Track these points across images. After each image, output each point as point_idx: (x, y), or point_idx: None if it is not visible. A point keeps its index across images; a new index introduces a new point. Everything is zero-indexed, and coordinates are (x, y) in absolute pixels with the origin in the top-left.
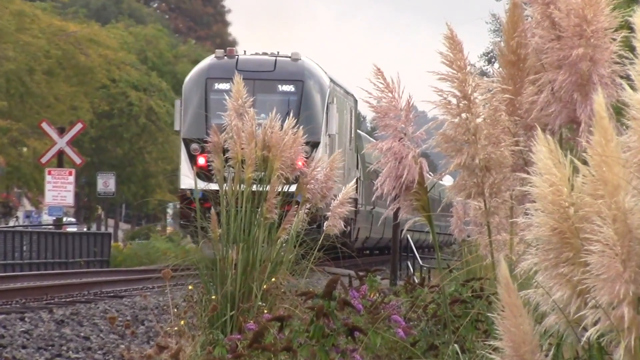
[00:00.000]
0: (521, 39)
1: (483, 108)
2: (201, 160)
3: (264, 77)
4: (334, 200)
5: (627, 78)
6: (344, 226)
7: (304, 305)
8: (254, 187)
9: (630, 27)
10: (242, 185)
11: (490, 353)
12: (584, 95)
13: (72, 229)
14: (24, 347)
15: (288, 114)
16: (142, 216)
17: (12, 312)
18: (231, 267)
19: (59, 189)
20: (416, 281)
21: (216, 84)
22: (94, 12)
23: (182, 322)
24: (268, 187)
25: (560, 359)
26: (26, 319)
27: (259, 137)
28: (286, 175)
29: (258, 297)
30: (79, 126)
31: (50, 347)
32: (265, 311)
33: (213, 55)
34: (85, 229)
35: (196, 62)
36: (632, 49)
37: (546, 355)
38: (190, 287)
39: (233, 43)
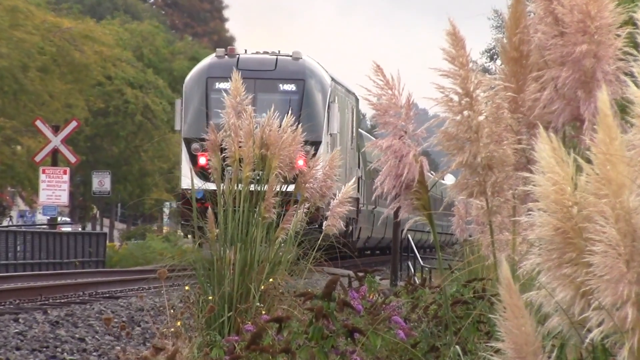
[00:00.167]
0: (524, 36)
1: (485, 106)
2: (202, 160)
3: (265, 76)
4: (334, 199)
5: (632, 75)
6: (346, 226)
7: (302, 306)
8: (252, 187)
9: (634, 23)
10: (239, 185)
11: (492, 355)
12: (587, 93)
13: (66, 229)
14: (17, 348)
15: (289, 113)
16: (138, 216)
17: (6, 313)
18: (229, 267)
19: (54, 188)
20: (417, 282)
21: (217, 83)
22: (88, 8)
23: (178, 323)
24: (266, 187)
25: None
26: (20, 320)
27: (257, 135)
28: (284, 174)
29: (256, 297)
30: (73, 124)
31: (44, 349)
32: (264, 312)
33: (214, 55)
34: (80, 229)
35: (193, 59)
36: (636, 46)
37: (549, 357)
38: (187, 288)
39: (230, 39)
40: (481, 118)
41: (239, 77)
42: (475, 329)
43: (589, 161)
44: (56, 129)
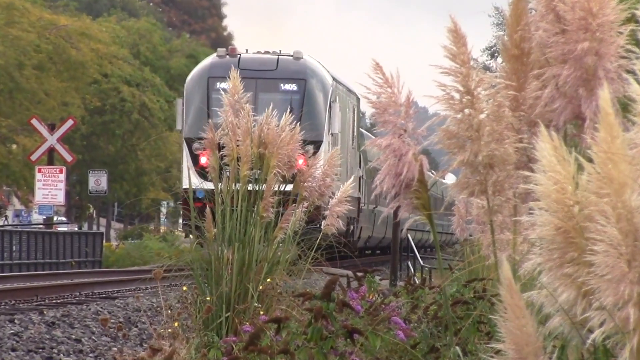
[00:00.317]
0: (525, 33)
1: (487, 104)
2: (203, 160)
3: (266, 75)
4: (333, 198)
5: (634, 73)
6: (347, 226)
7: (301, 306)
8: (250, 186)
9: (636, 21)
10: (237, 184)
11: (492, 356)
12: (589, 91)
13: (63, 229)
14: (13, 349)
15: (290, 112)
16: (135, 215)
17: (2, 313)
18: (226, 267)
19: (50, 187)
20: (417, 282)
21: (218, 83)
22: (85, 5)
23: (176, 324)
24: (264, 186)
25: None
26: (16, 321)
27: (255, 133)
28: (283, 173)
29: (254, 298)
30: (70, 123)
31: (40, 350)
32: (262, 313)
33: (215, 54)
34: (76, 229)
35: (190, 56)
36: (638, 43)
37: (550, 358)
38: (184, 288)
39: (228, 37)
40: (482, 116)
41: (237, 75)
42: (476, 329)
43: (590, 160)
44: (52, 128)
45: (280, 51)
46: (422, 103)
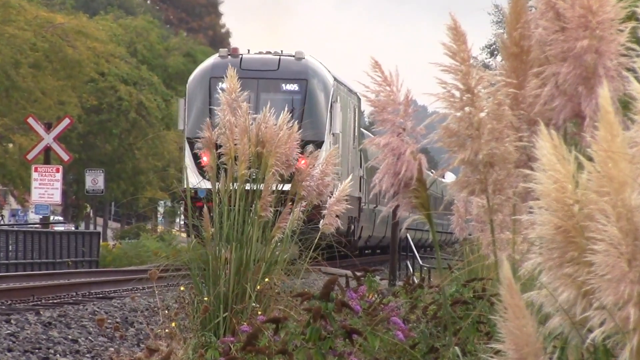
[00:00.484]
0: (524, 31)
1: (487, 102)
2: (205, 159)
3: (268, 76)
4: (331, 197)
5: (634, 71)
6: (348, 225)
7: (300, 306)
8: (247, 185)
9: (637, 19)
10: (235, 183)
11: (492, 356)
12: (589, 89)
13: (59, 228)
14: (9, 350)
15: (292, 112)
16: (132, 215)
17: None
18: (224, 267)
19: (46, 187)
20: (416, 281)
21: (220, 83)
22: (81, 3)
23: (173, 324)
24: (261, 185)
25: None
26: (12, 321)
27: (252, 132)
28: (281, 172)
29: (252, 298)
30: (66, 121)
31: (37, 350)
32: (260, 313)
33: (217, 55)
34: (73, 228)
35: (188, 55)
36: (639, 41)
37: (550, 358)
38: (181, 288)
39: (226, 35)
40: (482, 114)
41: (234, 74)
42: (475, 329)
43: (590, 159)
44: (49, 127)
45: (281, 51)
46: (422, 102)
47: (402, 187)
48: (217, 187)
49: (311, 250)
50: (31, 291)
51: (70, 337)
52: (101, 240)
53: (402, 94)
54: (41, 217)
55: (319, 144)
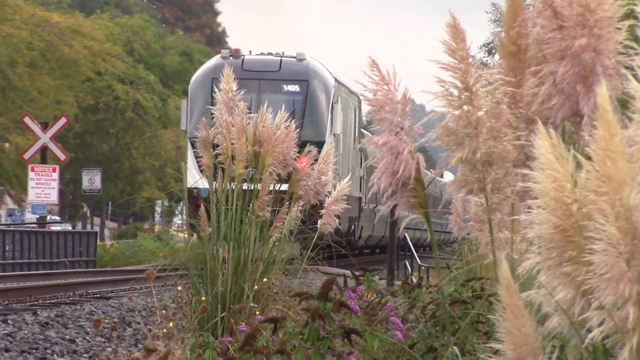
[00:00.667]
0: (522, 29)
1: (485, 100)
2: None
3: (269, 77)
4: (329, 197)
5: (632, 69)
6: (348, 225)
7: (298, 306)
8: (245, 185)
9: (635, 17)
10: (232, 182)
11: (491, 356)
12: (587, 87)
13: (56, 228)
14: (7, 350)
15: (293, 113)
16: (129, 214)
17: None
18: (222, 266)
19: (43, 186)
20: (414, 281)
21: (222, 84)
22: (78, 2)
23: (170, 324)
24: (259, 185)
25: None
26: (9, 321)
27: (250, 131)
28: (278, 171)
29: (250, 297)
30: (63, 121)
31: (34, 351)
32: (258, 312)
33: (219, 56)
34: (70, 228)
35: (184, 54)
36: (637, 39)
37: (549, 358)
38: (179, 288)
39: (223, 34)
40: (481, 113)
41: (231, 73)
42: (474, 329)
43: (588, 158)
44: (45, 126)
45: (283, 52)
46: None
47: (400, 186)
48: (214, 187)
49: (309, 250)
50: (28, 291)
51: (67, 337)
52: (98, 240)
53: (400, 93)
54: (38, 216)
55: (319, 145)
